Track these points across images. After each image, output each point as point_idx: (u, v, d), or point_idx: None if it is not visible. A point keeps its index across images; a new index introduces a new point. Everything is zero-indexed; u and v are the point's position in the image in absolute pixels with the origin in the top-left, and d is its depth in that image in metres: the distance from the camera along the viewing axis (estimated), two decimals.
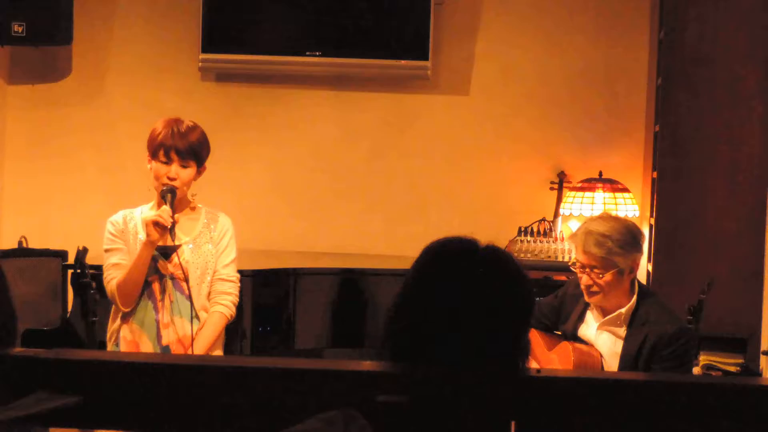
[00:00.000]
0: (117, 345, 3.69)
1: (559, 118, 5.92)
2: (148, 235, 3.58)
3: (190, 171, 3.68)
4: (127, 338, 3.67)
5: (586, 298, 3.66)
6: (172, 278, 3.68)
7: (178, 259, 3.66)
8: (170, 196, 3.63)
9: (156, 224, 3.56)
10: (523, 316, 1.82)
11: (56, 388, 1.78)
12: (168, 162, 3.64)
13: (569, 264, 3.75)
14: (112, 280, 3.64)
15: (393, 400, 1.69)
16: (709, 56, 5.36)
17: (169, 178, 3.64)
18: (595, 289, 3.61)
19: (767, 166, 5.23)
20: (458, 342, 1.75)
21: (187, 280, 3.66)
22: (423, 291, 1.81)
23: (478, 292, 1.77)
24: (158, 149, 3.64)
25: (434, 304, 1.78)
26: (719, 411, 1.78)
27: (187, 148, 3.65)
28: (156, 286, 3.67)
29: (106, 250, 3.71)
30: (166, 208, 3.60)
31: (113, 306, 3.72)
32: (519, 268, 1.83)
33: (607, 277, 3.57)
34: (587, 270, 3.59)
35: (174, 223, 3.59)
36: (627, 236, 3.61)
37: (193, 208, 3.77)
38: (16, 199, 6.17)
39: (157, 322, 3.66)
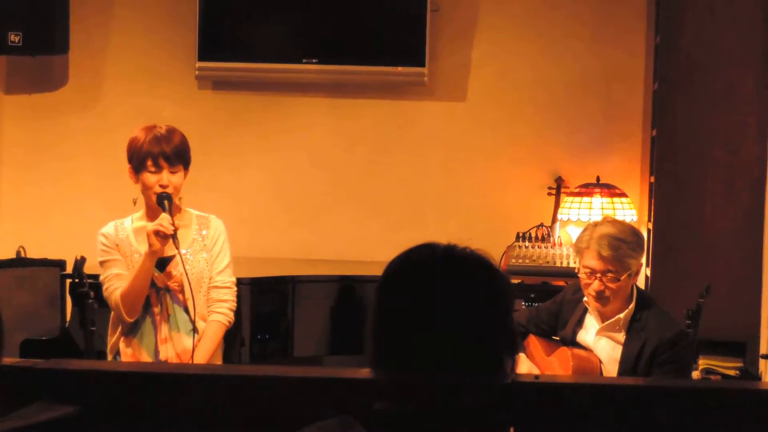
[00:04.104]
0: (117, 359, 3.65)
1: (556, 124, 5.92)
2: (150, 245, 3.52)
3: (180, 176, 3.63)
4: (127, 353, 3.64)
5: (595, 305, 3.62)
6: (169, 290, 3.64)
7: (174, 270, 3.63)
8: (167, 203, 3.58)
9: (157, 233, 3.51)
10: (495, 311, 1.78)
11: (55, 398, 1.78)
12: (158, 170, 3.59)
13: (575, 271, 3.71)
14: (115, 290, 3.59)
15: (391, 407, 1.68)
16: (706, 61, 5.37)
17: (161, 186, 3.59)
18: (607, 294, 3.56)
19: (764, 170, 5.23)
20: (433, 344, 1.73)
21: (183, 292, 3.63)
22: (389, 300, 1.80)
23: (441, 292, 1.76)
24: (144, 159, 3.59)
25: (401, 310, 1.77)
26: (718, 415, 1.78)
27: (174, 152, 3.60)
28: (153, 300, 3.63)
29: (102, 262, 3.67)
30: (166, 215, 3.55)
31: (111, 318, 3.69)
32: (483, 263, 1.80)
33: (622, 280, 3.55)
34: (599, 275, 3.56)
35: (176, 230, 3.55)
36: (635, 238, 3.61)
37: (180, 210, 3.70)
38: (14, 208, 6.16)
39: (155, 337, 3.63)
